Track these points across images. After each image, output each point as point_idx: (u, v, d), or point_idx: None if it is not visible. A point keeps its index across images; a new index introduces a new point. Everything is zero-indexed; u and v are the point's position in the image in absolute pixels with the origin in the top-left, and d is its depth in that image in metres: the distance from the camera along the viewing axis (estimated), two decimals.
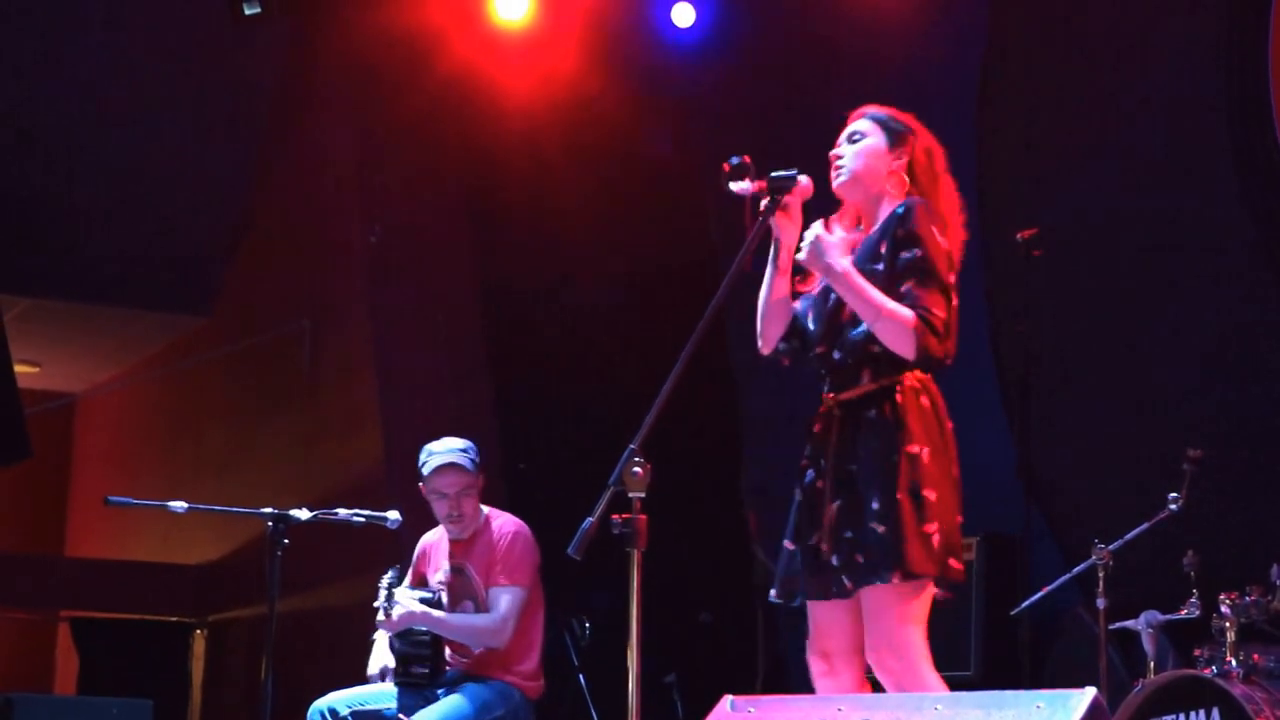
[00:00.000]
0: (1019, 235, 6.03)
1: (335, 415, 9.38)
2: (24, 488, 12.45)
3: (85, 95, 9.24)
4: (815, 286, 4.06)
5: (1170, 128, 6.88)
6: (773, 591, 3.99)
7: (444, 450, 5.56)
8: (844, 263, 3.81)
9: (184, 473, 11.08)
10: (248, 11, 7.71)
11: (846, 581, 3.78)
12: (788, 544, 3.94)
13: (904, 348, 3.76)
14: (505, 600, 5.44)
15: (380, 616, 5.39)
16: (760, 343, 4.00)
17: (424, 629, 5.40)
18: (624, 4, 8.57)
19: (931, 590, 3.80)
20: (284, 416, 9.94)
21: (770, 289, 3.95)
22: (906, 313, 3.75)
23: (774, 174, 3.81)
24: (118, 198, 9.70)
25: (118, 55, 9.11)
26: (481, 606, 5.50)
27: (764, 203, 3.79)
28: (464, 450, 5.56)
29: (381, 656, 5.55)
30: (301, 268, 9.86)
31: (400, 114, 8.77)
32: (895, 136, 3.97)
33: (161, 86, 9.25)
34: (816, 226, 3.88)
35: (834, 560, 3.80)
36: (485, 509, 5.64)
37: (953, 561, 3.78)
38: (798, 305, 4.04)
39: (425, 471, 5.54)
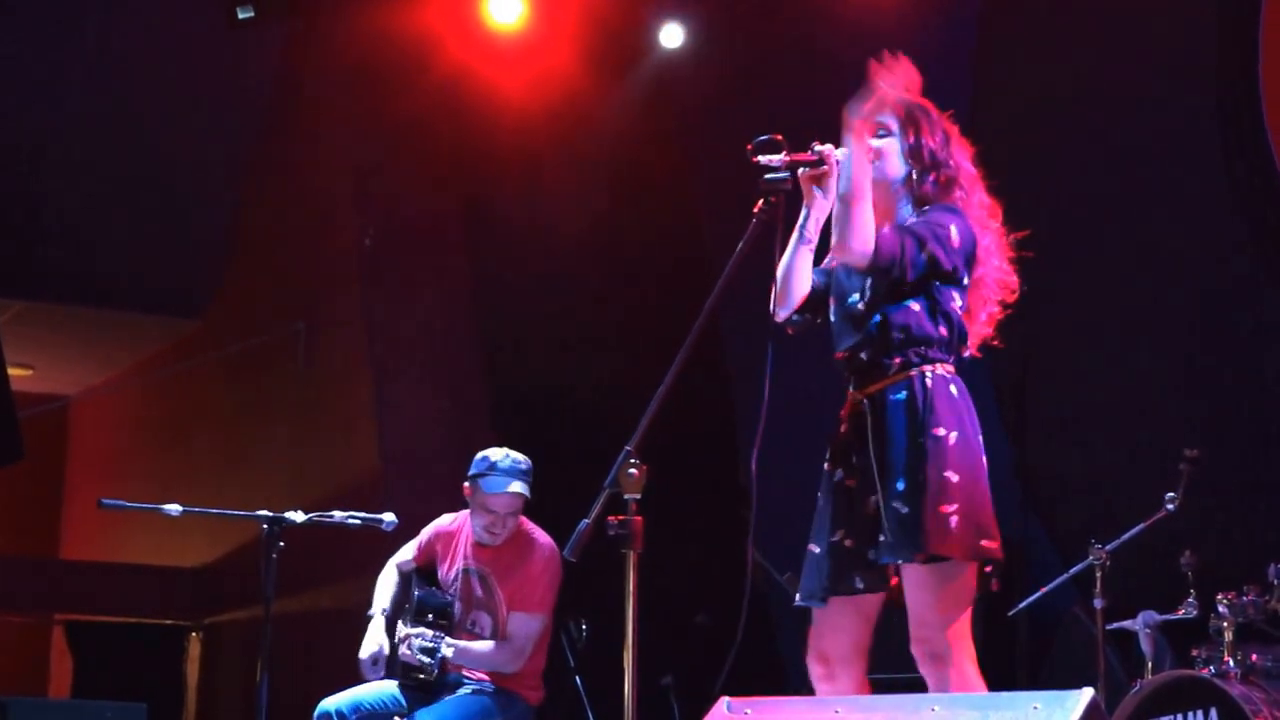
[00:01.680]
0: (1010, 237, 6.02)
1: (330, 418, 9.36)
2: (18, 490, 12.42)
3: (79, 98, 9.23)
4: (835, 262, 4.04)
5: (1165, 130, 6.88)
6: (799, 595, 3.97)
7: (506, 470, 5.46)
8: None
9: (178, 475, 11.05)
10: (241, 16, 7.69)
11: (882, 564, 3.78)
12: (813, 547, 3.92)
13: (852, 246, 3.75)
14: (528, 629, 5.43)
15: (407, 650, 5.36)
16: (775, 309, 3.95)
17: (430, 633, 5.38)
18: (617, 6, 8.57)
19: (971, 578, 3.78)
20: (279, 419, 9.92)
21: (794, 258, 3.90)
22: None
23: (767, 176, 3.78)
24: (112, 201, 9.69)
25: (112, 58, 9.09)
26: (499, 622, 5.48)
27: (759, 205, 3.76)
28: (525, 473, 5.49)
29: (377, 640, 5.52)
30: (296, 270, 9.84)
31: (395, 117, 8.76)
32: (916, 125, 3.95)
33: (156, 89, 9.24)
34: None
35: (870, 554, 3.79)
36: (519, 518, 5.60)
37: (985, 543, 3.76)
38: (815, 277, 4.02)
39: (482, 486, 5.47)
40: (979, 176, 4.01)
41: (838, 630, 3.89)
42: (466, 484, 5.51)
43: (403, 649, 5.38)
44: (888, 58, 4.00)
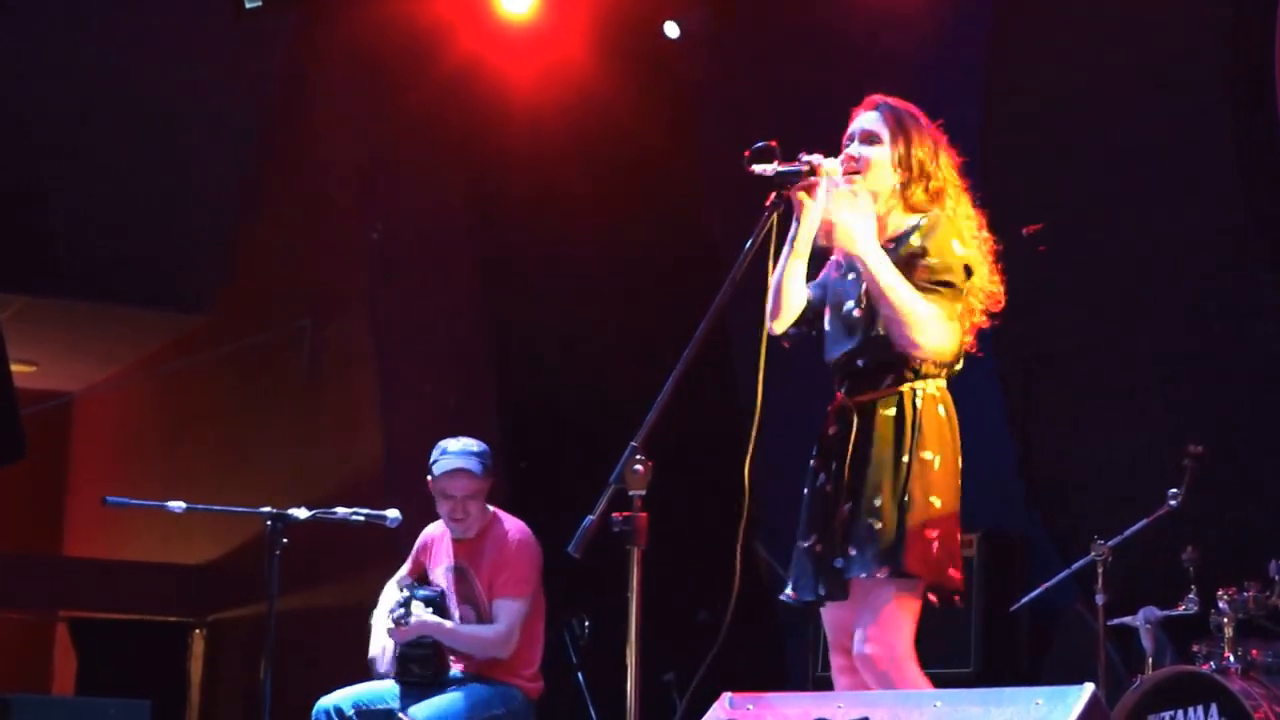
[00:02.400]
0: (1024, 231, 6.02)
1: (335, 414, 9.38)
2: (21, 487, 12.40)
3: (83, 91, 9.23)
4: (831, 272, 4.06)
5: (1173, 126, 6.88)
6: (787, 591, 3.99)
7: (457, 452, 5.53)
8: (874, 248, 3.82)
9: (182, 472, 11.06)
10: (248, 5, 7.69)
11: (845, 577, 3.80)
12: (800, 543, 3.95)
13: (917, 340, 3.77)
14: (510, 613, 5.44)
15: (389, 624, 5.40)
16: (769, 323, 3.97)
17: (418, 602, 5.41)
18: None
19: (920, 598, 3.80)
20: (283, 415, 9.94)
21: (786, 272, 3.92)
22: (925, 306, 3.78)
23: (780, 169, 3.79)
24: (116, 195, 9.69)
25: (116, 50, 9.10)
26: (483, 612, 5.51)
27: (770, 198, 3.78)
28: (477, 454, 5.53)
29: (382, 638, 5.55)
30: (301, 265, 9.85)
31: (403, 109, 8.75)
32: (906, 134, 3.96)
33: (160, 82, 9.24)
34: (845, 197, 3.84)
35: (837, 563, 3.81)
36: (491, 509, 5.64)
37: (952, 571, 3.80)
38: (810, 291, 4.03)
39: (435, 470, 5.53)
40: (965, 187, 4.03)
41: (851, 629, 3.90)
42: (428, 478, 5.55)
43: (386, 623, 5.41)
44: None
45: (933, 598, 3.84)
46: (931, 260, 3.85)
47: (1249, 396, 6.44)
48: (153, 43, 9.12)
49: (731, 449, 8.53)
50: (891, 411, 3.84)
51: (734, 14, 8.59)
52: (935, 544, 3.74)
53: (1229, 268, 6.63)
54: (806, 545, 3.91)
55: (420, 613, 5.38)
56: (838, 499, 3.85)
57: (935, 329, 3.79)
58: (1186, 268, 6.73)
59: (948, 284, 3.85)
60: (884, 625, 3.76)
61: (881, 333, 3.87)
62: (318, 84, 9.49)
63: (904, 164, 3.95)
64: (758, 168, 3.79)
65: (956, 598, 3.87)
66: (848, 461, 3.86)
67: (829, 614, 3.95)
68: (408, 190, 9.02)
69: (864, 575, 3.75)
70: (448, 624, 5.44)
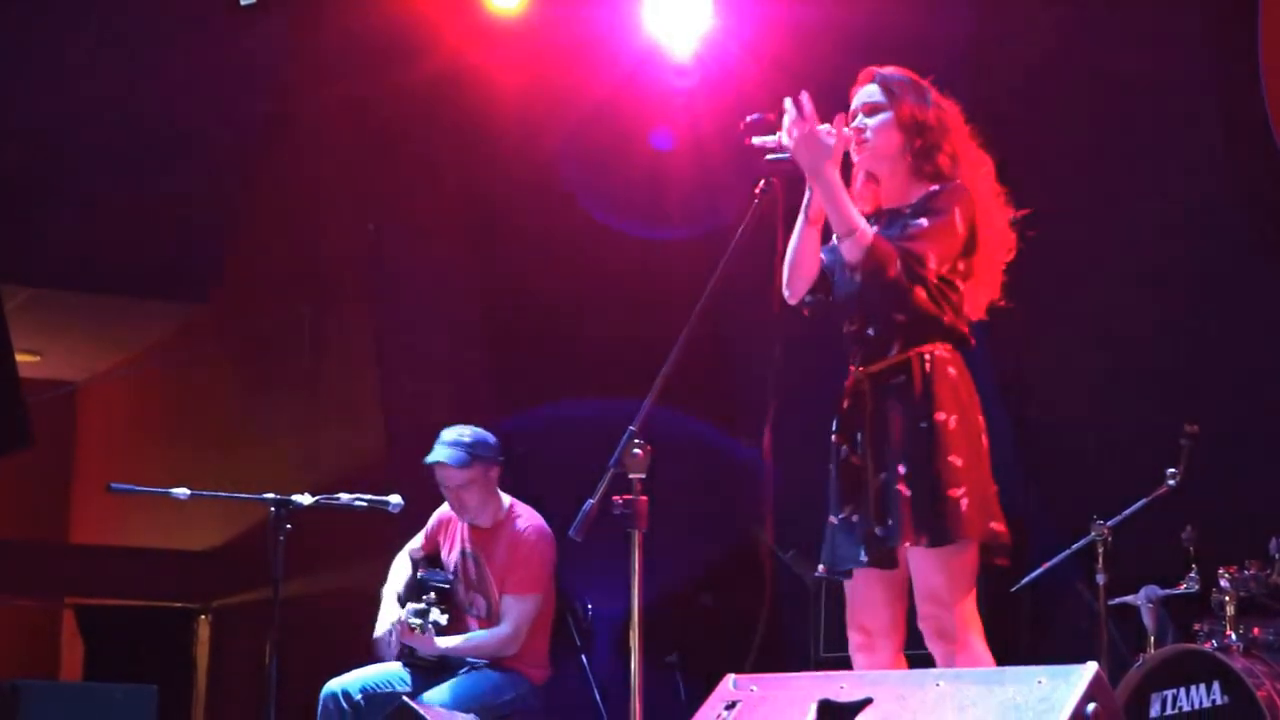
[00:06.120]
0: (1012, 216, 6.03)
1: (336, 401, 9.40)
2: (27, 476, 12.45)
3: (85, 84, 9.24)
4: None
5: (1165, 113, 6.88)
6: (820, 566, 4.00)
7: (438, 444, 5.49)
8: (831, 170, 3.82)
9: (186, 459, 11.09)
10: (243, 3, 7.71)
11: (889, 546, 3.81)
12: (831, 519, 3.96)
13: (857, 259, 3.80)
14: (519, 612, 5.42)
15: (406, 621, 5.37)
16: (786, 293, 3.98)
17: (437, 609, 5.41)
18: None
19: (974, 555, 3.81)
20: (285, 402, 9.96)
21: (801, 240, 3.93)
22: (870, 235, 3.80)
23: (768, 156, 3.80)
24: (118, 186, 9.70)
25: (116, 43, 9.10)
26: (493, 604, 5.51)
27: (760, 184, 3.79)
28: (464, 445, 5.46)
29: (390, 616, 5.55)
30: (302, 254, 9.87)
31: (397, 102, 8.77)
32: (907, 101, 3.97)
33: (160, 74, 9.25)
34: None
35: (878, 530, 3.82)
36: (508, 500, 5.60)
37: (994, 525, 3.81)
38: (823, 255, 4.04)
39: (429, 462, 5.51)
40: (969, 133, 4.04)
41: (874, 603, 3.92)
42: None
43: (397, 627, 5.40)
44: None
45: (996, 560, 3.86)
46: (927, 224, 3.86)
47: (1246, 374, 6.45)
48: (154, 35, 9.12)
49: (729, 431, 8.52)
50: (902, 378, 3.86)
51: (728, 8, 8.57)
52: (964, 501, 3.75)
53: (1227, 247, 6.63)
54: (842, 517, 3.90)
55: (436, 616, 5.35)
56: (867, 469, 3.86)
57: (880, 256, 3.79)
58: (1185, 248, 6.73)
59: (935, 240, 3.85)
60: (944, 596, 3.77)
61: (883, 301, 3.88)
62: (314, 76, 9.49)
63: (907, 127, 3.96)
64: (758, 140, 3.80)
65: (1000, 559, 3.87)
66: (869, 432, 3.87)
67: (855, 590, 3.94)
68: (403, 181, 9.04)
69: (907, 543, 3.76)
70: (455, 641, 5.42)
